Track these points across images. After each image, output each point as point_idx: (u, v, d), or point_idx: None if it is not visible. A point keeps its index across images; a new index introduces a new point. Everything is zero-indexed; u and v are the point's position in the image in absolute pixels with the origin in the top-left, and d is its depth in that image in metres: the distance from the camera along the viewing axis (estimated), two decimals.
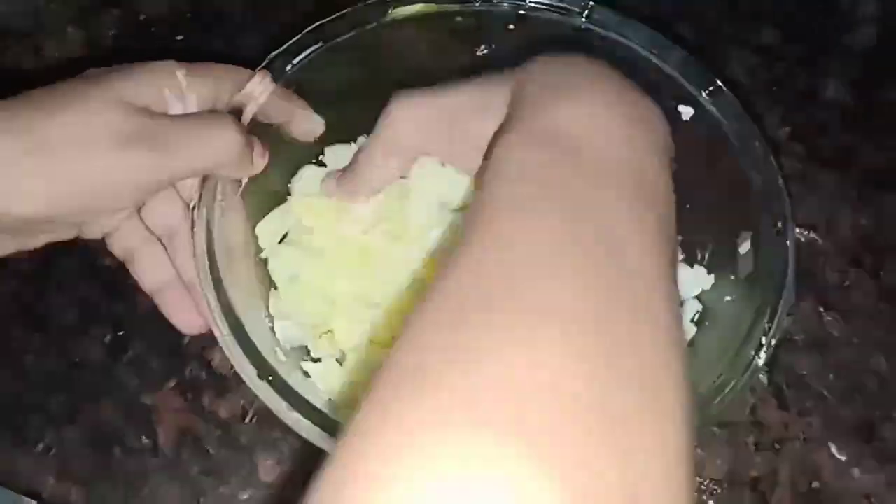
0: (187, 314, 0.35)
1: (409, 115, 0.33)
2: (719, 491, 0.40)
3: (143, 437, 0.40)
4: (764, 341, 0.32)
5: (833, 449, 0.41)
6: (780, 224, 0.34)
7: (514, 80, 0.30)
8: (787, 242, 0.33)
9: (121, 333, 0.42)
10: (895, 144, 0.50)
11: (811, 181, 0.48)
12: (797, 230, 0.47)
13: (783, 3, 0.55)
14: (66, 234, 0.33)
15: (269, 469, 0.39)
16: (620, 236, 0.22)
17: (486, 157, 0.26)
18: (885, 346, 0.44)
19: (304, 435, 0.30)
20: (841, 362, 0.43)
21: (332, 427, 0.30)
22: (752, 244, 0.35)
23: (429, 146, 0.34)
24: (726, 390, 0.31)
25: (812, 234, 0.47)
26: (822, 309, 0.45)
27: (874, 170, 0.49)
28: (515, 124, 0.26)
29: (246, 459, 0.40)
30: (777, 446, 0.41)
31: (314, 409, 0.31)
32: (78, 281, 0.44)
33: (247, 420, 0.40)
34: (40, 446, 0.40)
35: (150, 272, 0.35)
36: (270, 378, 0.31)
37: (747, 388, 0.31)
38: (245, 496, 0.39)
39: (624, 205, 0.23)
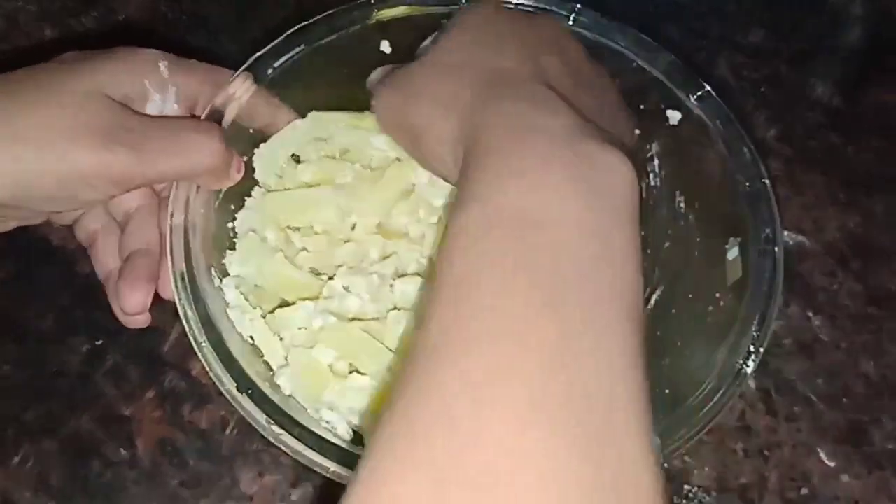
0: (134, 297, 0.33)
1: (386, 112, 0.33)
2: (707, 498, 0.39)
3: (122, 448, 0.39)
4: (752, 349, 0.31)
5: (822, 454, 0.41)
6: (768, 231, 0.33)
7: (469, 119, 0.28)
8: (776, 249, 0.33)
9: (99, 343, 0.42)
10: (883, 145, 0.50)
11: (798, 183, 0.48)
12: (784, 233, 0.46)
13: (771, 3, 0.55)
14: (36, 219, 0.32)
15: (250, 481, 0.39)
16: (584, 343, 0.22)
17: (447, 230, 0.25)
18: (873, 350, 0.43)
19: (285, 449, 0.30)
20: (829, 366, 0.43)
21: (312, 440, 0.30)
22: (741, 251, 0.34)
23: (401, 143, 0.34)
24: (714, 399, 0.31)
25: (799, 237, 0.46)
26: (809, 312, 0.44)
27: (862, 171, 0.49)
28: (469, 206, 0.24)
29: (227, 471, 0.39)
30: (765, 452, 0.41)
31: (295, 422, 0.30)
32: (55, 290, 0.43)
33: (227, 431, 0.40)
34: (17, 458, 0.39)
35: (106, 257, 0.34)
36: (250, 391, 0.30)
37: (736, 398, 0.31)
38: None
39: (587, 308, 0.22)
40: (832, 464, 0.41)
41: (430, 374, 0.21)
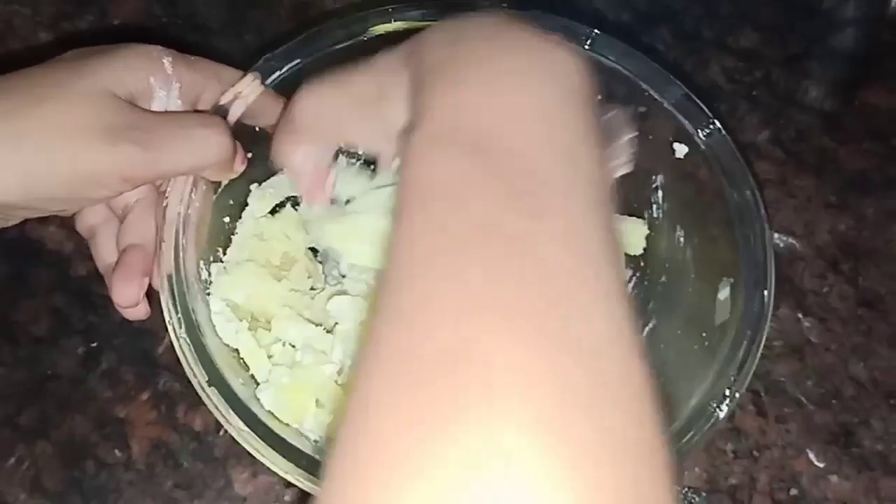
0: (127, 291, 0.33)
1: (314, 103, 0.31)
2: (697, 499, 0.40)
3: (116, 450, 0.39)
4: (728, 393, 0.31)
5: (811, 455, 0.41)
6: (759, 275, 0.33)
7: (410, 57, 0.27)
8: (765, 294, 0.33)
9: (93, 345, 0.42)
10: (875, 148, 0.50)
11: (790, 185, 0.48)
12: (775, 235, 0.47)
13: (763, 6, 0.55)
14: (43, 213, 0.33)
15: (244, 482, 0.39)
16: (544, 247, 0.21)
17: (401, 157, 0.24)
18: (863, 352, 0.44)
19: (249, 448, 0.30)
20: (819, 368, 0.43)
21: (274, 441, 0.30)
22: (731, 291, 0.34)
23: (342, 133, 0.32)
24: (684, 440, 0.30)
25: (790, 239, 0.47)
26: (800, 314, 0.44)
27: (854, 174, 0.49)
28: (419, 124, 0.24)
29: (220, 472, 0.39)
30: (755, 453, 0.41)
31: (259, 421, 0.30)
32: (50, 292, 0.43)
33: (221, 432, 0.40)
34: (12, 460, 0.39)
35: (105, 251, 0.34)
36: (219, 387, 0.30)
37: (703, 441, 0.31)
38: None
39: (548, 204, 0.22)
40: (821, 465, 0.41)
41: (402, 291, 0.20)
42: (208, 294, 0.35)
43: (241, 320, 0.35)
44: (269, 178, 0.40)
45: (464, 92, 0.24)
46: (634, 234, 0.40)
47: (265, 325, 0.36)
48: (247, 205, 0.39)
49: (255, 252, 0.38)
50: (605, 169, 0.24)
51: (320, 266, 0.40)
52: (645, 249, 0.40)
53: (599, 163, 0.23)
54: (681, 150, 0.37)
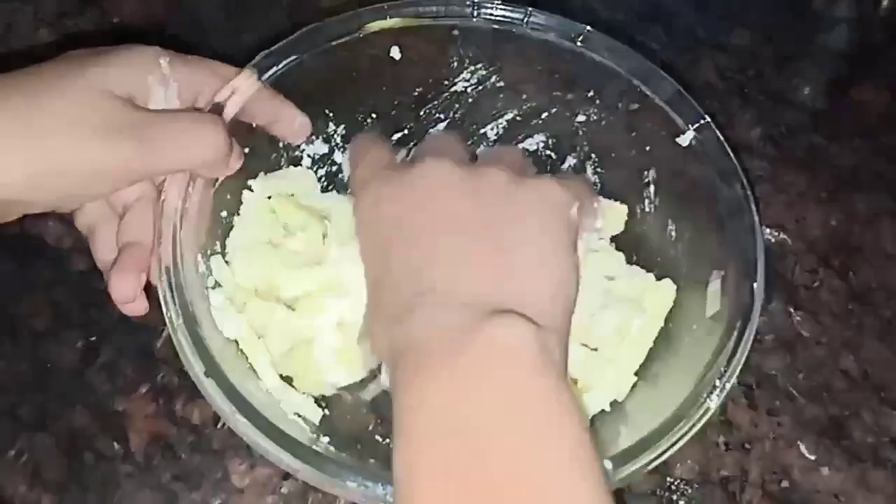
0: (124, 287, 0.34)
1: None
2: (689, 491, 0.40)
3: (115, 442, 0.40)
4: (718, 384, 0.31)
5: (802, 448, 0.41)
6: (750, 268, 0.33)
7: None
8: (755, 286, 0.33)
9: (93, 339, 0.42)
10: (865, 145, 0.51)
11: (781, 182, 0.49)
12: (767, 230, 0.47)
13: (755, 4, 0.56)
14: (42, 209, 0.33)
15: (241, 474, 0.39)
16: None
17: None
18: (853, 346, 0.44)
19: (247, 440, 0.30)
20: (810, 362, 0.44)
21: (274, 433, 0.30)
22: (722, 284, 0.34)
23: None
24: (674, 429, 0.31)
25: (782, 235, 0.47)
26: (791, 309, 0.45)
27: (844, 170, 0.50)
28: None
29: (218, 465, 0.40)
30: (747, 446, 0.41)
31: (258, 413, 0.31)
32: (50, 286, 0.44)
33: (219, 425, 0.40)
34: (11, 453, 0.40)
35: (105, 248, 0.35)
36: (216, 378, 0.31)
37: (695, 432, 0.31)
38: (217, 501, 0.39)
39: None
40: (812, 457, 0.41)
41: None
42: (206, 288, 0.36)
43: (243, 305, 0.35)
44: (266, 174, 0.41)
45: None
46: (615, 217, 0.41)
47: (276, 299, 0.36)
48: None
49: (257, 232, 0.38)
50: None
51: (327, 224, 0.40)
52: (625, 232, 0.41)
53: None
54: (672, 145, 0.37)
